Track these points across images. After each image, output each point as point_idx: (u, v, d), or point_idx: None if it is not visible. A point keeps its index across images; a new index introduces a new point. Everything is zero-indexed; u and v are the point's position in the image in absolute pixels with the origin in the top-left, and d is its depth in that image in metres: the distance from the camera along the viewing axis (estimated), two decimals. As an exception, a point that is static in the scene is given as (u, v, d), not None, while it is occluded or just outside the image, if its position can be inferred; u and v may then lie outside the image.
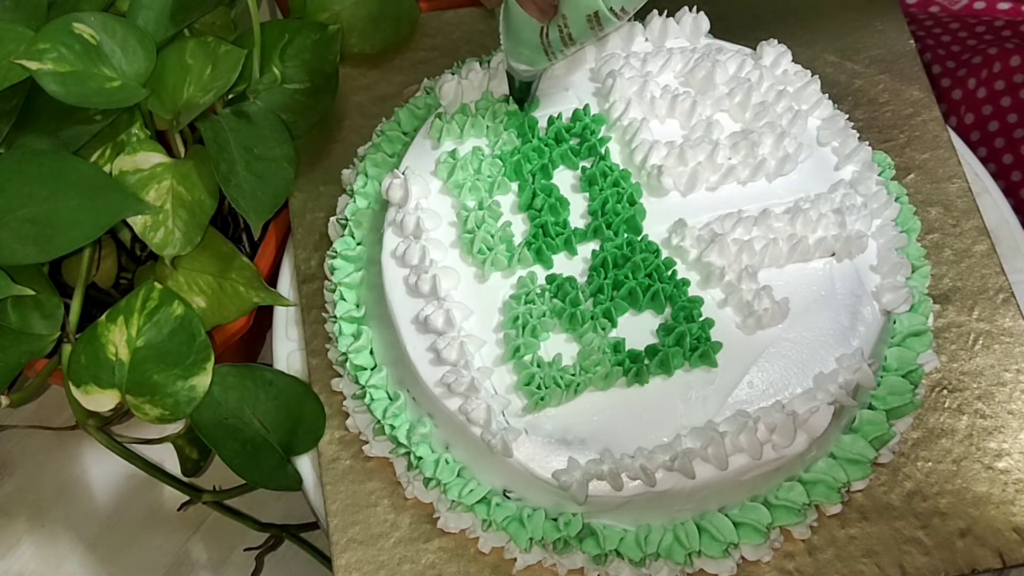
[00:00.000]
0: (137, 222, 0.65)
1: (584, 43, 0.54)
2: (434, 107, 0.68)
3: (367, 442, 0.62)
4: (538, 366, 0.56)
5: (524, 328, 0.57)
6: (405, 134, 0.68)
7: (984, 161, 0.77)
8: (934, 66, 0.80)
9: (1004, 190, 0.71)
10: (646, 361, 0.56)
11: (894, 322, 0.61)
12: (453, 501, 0.58)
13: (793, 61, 0.65)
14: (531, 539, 0.57)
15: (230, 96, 0.69)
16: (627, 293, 0.58)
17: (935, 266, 0.65)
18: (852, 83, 0.72)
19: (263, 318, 0.71)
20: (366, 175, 0.67)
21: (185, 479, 0.73)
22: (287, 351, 0.67)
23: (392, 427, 0.59)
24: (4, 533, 0.84)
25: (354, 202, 0.66)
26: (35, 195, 0.61)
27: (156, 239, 0.65)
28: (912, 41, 0.73)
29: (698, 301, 0.58)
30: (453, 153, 0.62)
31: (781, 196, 0.61)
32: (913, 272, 0.63)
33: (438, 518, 0.59)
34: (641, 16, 0.68)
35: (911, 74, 0.72)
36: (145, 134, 0.69)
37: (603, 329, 0.57)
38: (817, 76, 0.64)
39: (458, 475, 0.58)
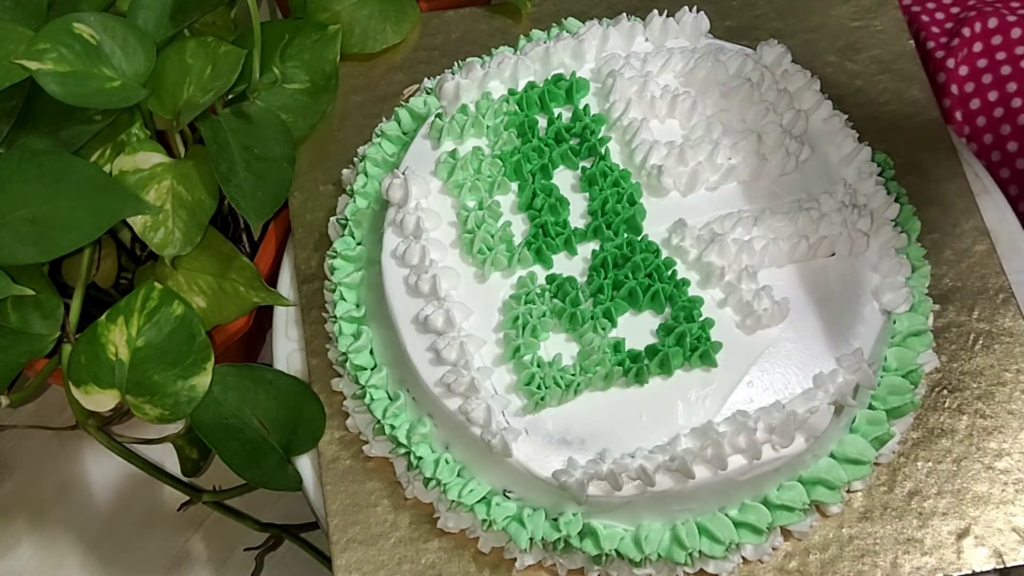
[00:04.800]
0: (137, 222, 0.65)
1: None
2: (434, 107, 0.68)
3: (367, 442, 0.62)
4: (538, 366, 0.56)
5: (524, 328, 0.57)
6: (405, 134, 0.68)
7: (982, 131, 0.76)
8: (928, 42, 0.80)
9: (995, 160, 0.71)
10: (646, 361, 0.56)
11: (894, 322, 0.61)
12: (453, 501, 0.58)
13: (793, 61, 0.65)
14: (531, 539, 0.57)
15: (230, 96, 0.70)
16: (627, 293, 0.58)
17: (935, 266, 0.65)
18: (852, 83, 0.72)
19: (263, 318, 0.71)
20: (366, 175, 0.67)
21: (185, 479, 0.73)
22: (287, 351, 0.67)
23: (392, 427, 0.59)
24: (4, 533, 0.84)
25: (354, 202, 0.66)
26: (35, 195, 0.61)
27: (156, 239, 0.65)
28: (911, 41, 0.73)
29: (698, 301, 0.58)
30: (453, 153, 0.62)
31: (781, 196, 0.61)
32: (913, 272, 0.63)
33: (438, 518, 0.59)
34: (641, 16, 0.68)
35: (911, 74, 0.72)
36: (145, 134, 0.69)
37: (603, 329, 0.57)
38: (817, 76, 0.64)
39: (458, 475, 0.58)
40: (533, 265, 0.60)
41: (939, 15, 0.81)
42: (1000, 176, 0.78)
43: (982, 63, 0.79)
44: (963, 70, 0.78)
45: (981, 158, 0.76)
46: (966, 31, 0.79)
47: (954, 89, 0.78)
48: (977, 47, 0.78)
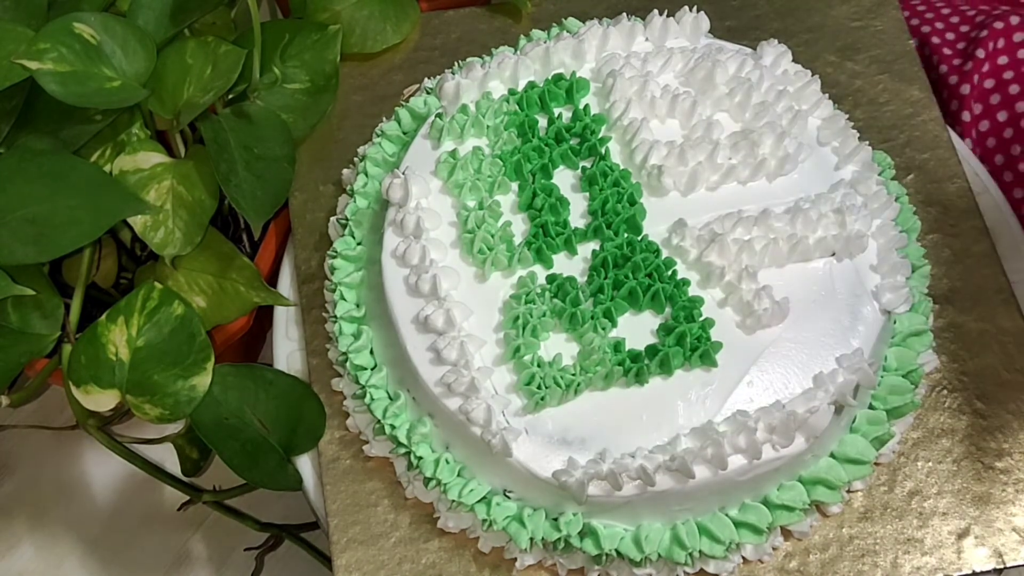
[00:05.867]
0: (137, 222, 0.65)
1: None
2: (434, 107, 0.68)
3: (367, 442, 0.62)
4: (538, 366, 0.56)
5: (524, 328, 0.57)
6: (405, 134, 0.68)
7: (993, 150, 0.75)
8: (941, 66, 0.79)
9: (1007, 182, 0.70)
10: (646, 361, 0.56)
11: (894, 322, 0.61)
12: (453, 501, 0.58)
13: (793, 61, 0.65)
14: (531, 539, 0.57)
15: (230, 96, 0.70)
16: (627, 293, 0.58)
17: (935, 266, 0.65)
18: (852, 83, 0.72)
19: (263, 318, 0.71)
20: (366, 175, 0.67)
21: (185, 479, 0.73)
22: (287, 351, 0.67)
23: (392, 427, 0.59)
24: (4, 533, 0.84)
25: (354, 202, 0.66)
26: (35, 195, 0.61)
27: (156, 239, 0.65)
28: (912, 41, 0.73)
29: (698, 301, 0.58)
30: (453, 153, 0.62)
31: (781, 196, 0.61)
32: (913, 272, 0.63)
33: (438, 518, 0.59)
34: (641, 16, 0.68)
35: (911, 74, 0.72)
36: (145, 134, 0.69)
37: (603, 329, 0.57)
38: (817, 76, 0.64)
39: (458, 475, 0.58)
40: (533, 265, 0.60)
41: (949, 35, 0.80)
42: (1013, 197, 0.76)
43: (989, 83, 0.77)
44: (985, 83, 0.77)
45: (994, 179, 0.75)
46: (980, 52, 0.77)
47: (965, 116, 0.77)
48: (1001, 60, 0.77)
